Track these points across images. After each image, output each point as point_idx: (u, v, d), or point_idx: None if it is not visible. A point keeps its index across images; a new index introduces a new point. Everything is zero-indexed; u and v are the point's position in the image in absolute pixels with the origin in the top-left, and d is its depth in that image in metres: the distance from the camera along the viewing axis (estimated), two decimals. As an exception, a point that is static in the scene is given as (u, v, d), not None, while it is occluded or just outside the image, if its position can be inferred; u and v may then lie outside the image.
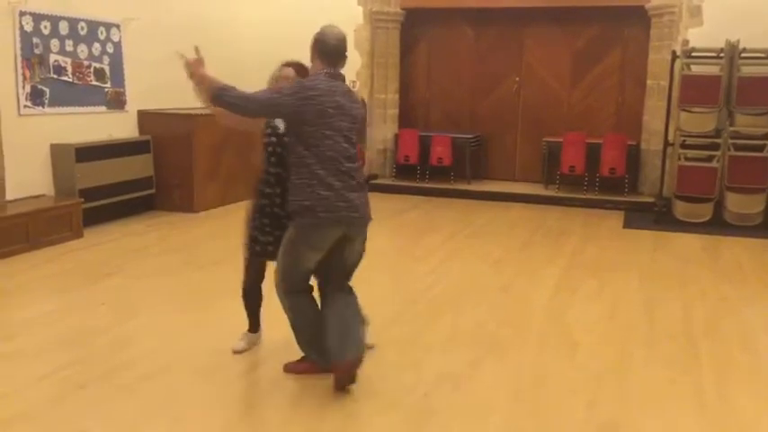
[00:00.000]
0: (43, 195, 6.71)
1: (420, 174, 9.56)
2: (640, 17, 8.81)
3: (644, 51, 8.89)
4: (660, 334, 4.41)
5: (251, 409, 3.36)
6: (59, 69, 6.89)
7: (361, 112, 3.68)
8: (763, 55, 7.69)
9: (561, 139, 9.07)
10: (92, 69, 7.29)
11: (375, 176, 9.96)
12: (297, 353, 3.72)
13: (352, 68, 9.77)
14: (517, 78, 9.84)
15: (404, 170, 9.73)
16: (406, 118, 10.17)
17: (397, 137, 9.92)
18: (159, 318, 4.55)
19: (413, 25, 9.97)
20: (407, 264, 6.04)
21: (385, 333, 4.28)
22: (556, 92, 9.73)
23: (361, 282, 5.18)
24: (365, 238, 3.62)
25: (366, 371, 3.81)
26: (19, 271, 5.55)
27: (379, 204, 8.61)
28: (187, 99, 8.77)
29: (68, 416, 3.26)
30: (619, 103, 9.48)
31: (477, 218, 7.97)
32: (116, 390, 3.50)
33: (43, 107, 6.74)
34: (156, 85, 8.05)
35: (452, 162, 9.45)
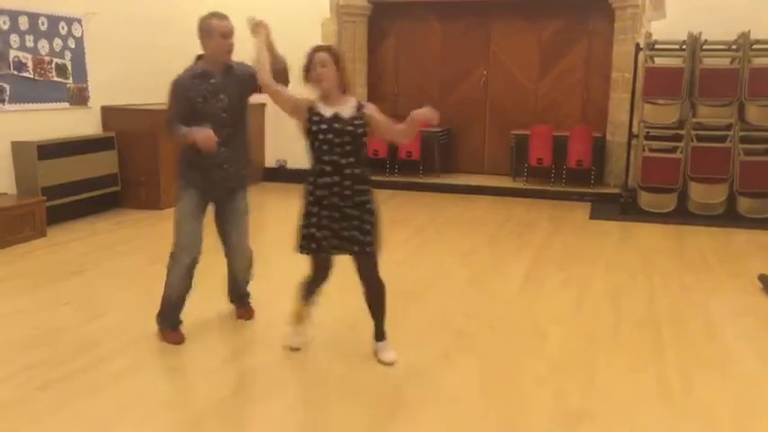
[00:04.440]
0: (5, 194, 6.57)
1: (389, 168, 9.56)
2: (604, 10, 8.90)
3: (608, 44, 8.98)
4: (626, 324, 4.48)
5: (220, 406, 3.33)
6: (20, 65, 6.75)
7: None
8: (724, 47, 7.82)
9: (529, 132, 9.14)
10: (53, 65, 7.15)
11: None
12: (263, 348, 3.69)
13: (320, 63, 9.71)
14: (485, 71, 9.88)
15: (373, 164, 9.64)
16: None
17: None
18: (125, 317, 4.49)
19: (380, 19, 9.95)
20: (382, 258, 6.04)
21: (354, 326, 4.28)
22: (523, 85, 9.79)
23: (335, 274, 5.15)
24: None
25: (336, 364, 3.82)
26: (-20, 271, 5.44)
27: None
28: (151, 94, 8.66)
29: (28, 419, 3.20)
30: (585, 96, 9.57)
31: (446, 211, 8.00)
32: (79, 391, 3.45)
33: (3, 104, 6.60)
34: (120, 80, 7.93)
35: (421, 156, 9.46)
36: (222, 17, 3.83)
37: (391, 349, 3.81)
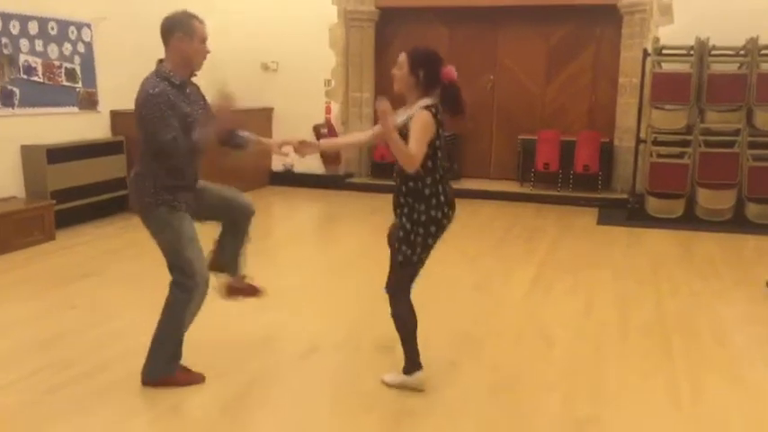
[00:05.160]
0: (14, 197, 6.61)
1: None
2: (612, 15, 8.89)
3: (616, 49, 8.97)
4: (634, 330, 4.46)
5: (225, 411, 3.34)
6: (29, 70, 6.79)
7: None
8: (732, 52, 7.81)
9: (535, 137, 9.14)
10: (63, 69, 7.20)
11: (351, 175, 9.96)
12: (268, 353, 3.68)
13: (327, 67, 9.76)
14: (491, 77, 9.88)
15: (379, 169, 9.72)
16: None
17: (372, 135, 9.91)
18: (133, 320, 4.50)
19: (388, 24, 9.97)
20: (382, 262, 6.03)
21: (361, 332, 4.29)
22: (530, 90, 9.79)
23: (336, 279, 5.21)
24: None
25: (342, 370, 3.82)
26: (-11, 274, 5.47)
27: (355, 203, 8.69)
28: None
29: (37, 422, 3.21)
30: (592, 101, 9.56)
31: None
32: (87, 395, 3.46)
33: (13, 108, 6.64)
34: (129, 84, 7.85)
35: (428, 160, 9.44)
36: (201, 20, 3.44)
37: (395, 371, 3.60)
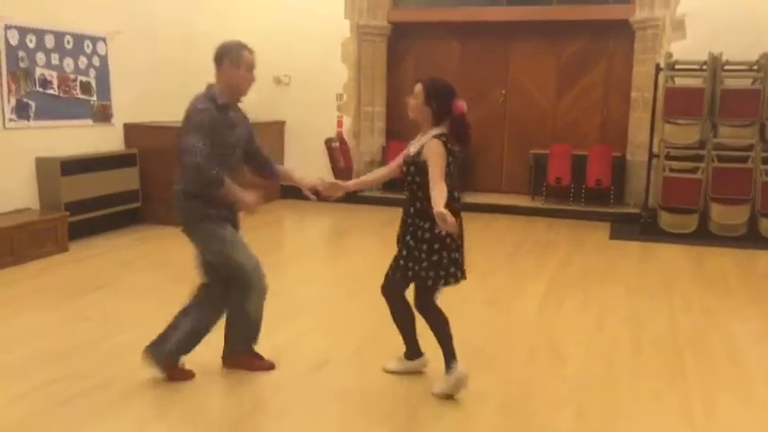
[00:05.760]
0: (28, 209, 6.66)
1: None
2: (625, 30, 8.90)
3: (628, 64, 8.97)
4: (647, 346, 4.43)
5: (239, 422, 3.34)
6: (45, 83, 6.87)
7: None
8: (745, 67, 7.79)
9: (547, 151, 9.13)
10: (78, 83, 7.27)
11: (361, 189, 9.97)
12: (281, 364, 3.68)
13: (339, 81, 9.81)
14: (503, 91, 9.89)
15: (391, 182, 9.59)
16: (394, 130, 10.18)
17: (384, 149, 9.94)
18: (146, 332, 4.50)
19: (399, 38, 10.02)
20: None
21: (373, 346, 4.28)
22: (542, 104, 9.79)
23: (347, 292, 5.23)
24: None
25: (353, 383, 3.82)
26: (3, 285, 5.50)
27: (366, 216, 8.69)
28: (173, 112, 8.76)
29: (52, 433, 3.22)
30: (604, 116, 9.54)
31: (464, 229, 7.97)
32: (100, 406, 3.47)
33: (29, 120, 6.71)
34: (143, 98, 8.04)
35: (439, 174, 9.45)
36: (252, 50, 3.70)
37: (442, 380, 3.68)
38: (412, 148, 3.54)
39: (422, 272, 3.50)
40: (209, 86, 3.68)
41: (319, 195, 3.89)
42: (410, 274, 3.53)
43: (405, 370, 3.89)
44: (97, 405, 3.48)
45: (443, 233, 3.39)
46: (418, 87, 3.52)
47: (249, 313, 3.80)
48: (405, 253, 3.54)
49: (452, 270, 3.55)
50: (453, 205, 3.39)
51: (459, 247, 3.59)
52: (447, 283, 3.58)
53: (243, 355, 3.92)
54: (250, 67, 3.65)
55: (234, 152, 3.67)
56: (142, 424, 3.31)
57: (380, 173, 3.99)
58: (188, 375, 3.81)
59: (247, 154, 3.83)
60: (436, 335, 3.67)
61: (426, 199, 3.39)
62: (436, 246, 3.47)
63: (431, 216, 3.33)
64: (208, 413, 3.45)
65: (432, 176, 3.33)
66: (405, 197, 3.60)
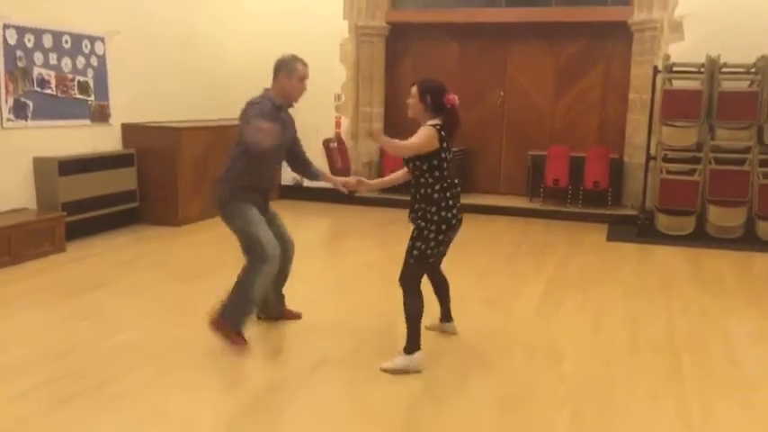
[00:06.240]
0: (25, 209, 6.65)
1: (405, 187, 9.55)
2: (623, 32, 8.91)
3: (626, 66, 8.98)
4: (644, 347, 4.44)
5: (236, 423, 3.34)
6: (43, 82, 6.86)
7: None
8: (742, 70, 7.81)
9: (545, 153, 9.14)
10: (76, 82, 7.26)
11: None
12: (278, 365, 3.68)
13: (338, 82, 9.82)
14: (501, 92, 9.91)
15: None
16: (392, 131, 10.15)
17: (382, 150, 9.94)
18: (144, 332, 4.51)
19: (398, 39, 10.02)
20: (392, 277, 6.04)
21: (369, 345, 4.28)
22: (540, 106, 9.81)
23: (347, 293, 5.23)
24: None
25: (351, 384, 3.82)
26: (0, 284, 5.48)
27: (364, 217, 8.69)
28: (171, 112, 8.80)
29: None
30: (602, 117, 9.56)
31: (462, 231, 7.95)
32: (99, 406, 3.46)
33: (26, 120, 6.70)
34: (141, 98, 8.04)
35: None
36: (305, 64, 4.23)
37: (399, 357, 3.97)
38: None
39: (427, 250, 3.89)
40: (267, 90, 4.20)
41: (349, 188, 4.54)
42: (415, 252, 3.89)
43: (437, 328, 4.53)
44: (95, 404, 3.47)
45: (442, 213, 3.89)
46: (413, 88, 3.98)
47: (252, 295, 4.13)
48: (415, 234, 3.92)
49: (444, 250, 4.11)
50: (449, 194, 3.91)
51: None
52: (440, 256, 4.14)
53: (227, 327, 4.17)
54: (302, 78, 4.18)
55: (280, 148, 4.17)
56: (140, 423, 3.31)
57: (397, 174, 4.44)
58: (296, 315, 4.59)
59: (292, 154, 4.46)
60: (407, 315, 3.95)
61: (429, 185, 3.88)
62: (443, 227, 3.90)
63: (436, 200, 3.86)
64: (205, 413, 3.45)
65: (407, 140, 3.84)
66: (411, 186, 4.03)
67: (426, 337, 4.48)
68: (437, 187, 3.89)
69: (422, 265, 3.96)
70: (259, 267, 4.09)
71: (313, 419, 3.41)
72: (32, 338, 4.37)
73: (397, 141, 3.82)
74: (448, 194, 3.91)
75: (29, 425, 3.28)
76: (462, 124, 4.03)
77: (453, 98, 3.92)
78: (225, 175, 4.19)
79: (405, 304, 3.95)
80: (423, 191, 3.92)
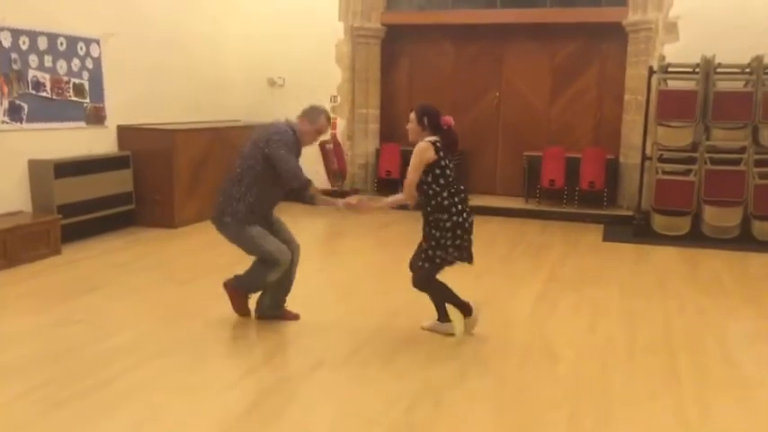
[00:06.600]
0: (21, 212, 6.63)
1: (402, 188, 9.55)
2: (618, 33, 8.93)
3: (621, 67, 9.00)
4: (641, 347, 4.44)
5: (233, 425, 3.33)
6: (38, 85, 6.84)
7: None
8: (737, 70, 7.83)
9: (541, 154, 9.15)
10: (71, 85, 7.24)
11: (357, 191, 9.98)
12: (275, 366, 3.67)
13: (333, 84, 9.81)
14: (497, 93, 9.92)
15: (385, 184, 9.74)
16: (388, 133, 10.19)
17: (378, 151, 9.95)
18: (139, 334, 4.50)
19: (394, 41, 10.03)
20: (389, 277, 6.04)
21: (367, 346, 4.28)
22: (535, 107, 9.82)
23: (345, 295, 5.23)
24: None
25: (348, 384, 3.81)
26: (-4, 288, 5.47)
27: (361, 219, 8.66)
28: (167, 114, 8.78)
29: (46, 435, 3.21)
30: (597, 118, 9.58)
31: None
32: (95, 409, 3.45)
33: (21, 123, 6.68)
34: (136, 100, 8.02)
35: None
36: (330, 120, 4.69)
37: (436, 324, 4.56)
38: None
39: (448, 257, 4.27)
40: (292, 123, 4.50)
41: (354, 209, 4.69)
42: (438, 261, 4.27)
43: (434, 329, 4.60)
44: (91, 407, 3.46)
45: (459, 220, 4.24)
46: (412, 114, 4.32)
47: (264, 283, 4.54)
48: (433, 243, 4.25)
49: (465, 253, 4.37)
50: (458, 199, 4.25)
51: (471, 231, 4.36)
52: (461, 260, 4.37)
53: (238, 291, 4.63)
54: (320, 130, 4.56)
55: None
56: (136, 426, 3.30)
57: (399, 196, 4.58)
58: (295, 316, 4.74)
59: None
60: (442, 301, 4.45)
61: (438, 193, 4.20)
62: (458, 231, 4.22)
63: (446, 207, 4.19)
64: (202, 414, 3.44)
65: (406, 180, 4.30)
66: (423, 205, 4.33)
67: (423, 338, 4.48)
68: (445, 194, 4.21)
69: (437, 268, 4.34)
70: (272, 268, 4.44)
71: (312, 419, 3.41)
72: (28, 341, 4.36)
73: (399, 196, 4.43)
74: (456, 199, 4.23)
75: (25, 427, 3.27)
76: (459, 142, 4.39)
77: (449, 119, 4.28)
78: (236, 195, 4.40)
79: (433, 297, 4.45)
80: (433, 202, 4.22)
